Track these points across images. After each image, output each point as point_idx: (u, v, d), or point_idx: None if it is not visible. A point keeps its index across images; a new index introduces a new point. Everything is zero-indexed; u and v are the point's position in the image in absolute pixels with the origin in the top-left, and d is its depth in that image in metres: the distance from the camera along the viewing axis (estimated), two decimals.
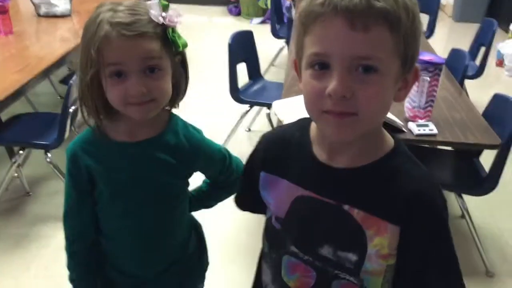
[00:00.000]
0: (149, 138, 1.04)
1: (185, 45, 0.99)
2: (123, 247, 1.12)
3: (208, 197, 1.22)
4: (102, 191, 1.06)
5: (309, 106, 0.78)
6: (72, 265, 1.15)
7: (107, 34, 0.91)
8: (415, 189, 0.80)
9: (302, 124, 0.90)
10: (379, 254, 0.83)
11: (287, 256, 0.89)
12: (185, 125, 1.09)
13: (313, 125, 0.88)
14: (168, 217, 1.11)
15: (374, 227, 0.81)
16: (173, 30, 0.97)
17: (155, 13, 0.94)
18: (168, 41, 0.96)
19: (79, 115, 2.53)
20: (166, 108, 1.06)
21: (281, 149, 0.90)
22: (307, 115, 0.81)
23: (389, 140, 0.85)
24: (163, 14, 0.95)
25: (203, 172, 1.16)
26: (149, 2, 0.95)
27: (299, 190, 0.86)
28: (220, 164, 1.14)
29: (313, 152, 0.85)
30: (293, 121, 0.94)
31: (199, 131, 1.11)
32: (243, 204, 1.07)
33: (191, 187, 1.18)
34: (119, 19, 0.92)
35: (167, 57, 0.97)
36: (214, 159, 1.11)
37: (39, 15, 3.15)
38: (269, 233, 0.94)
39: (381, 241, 0.82)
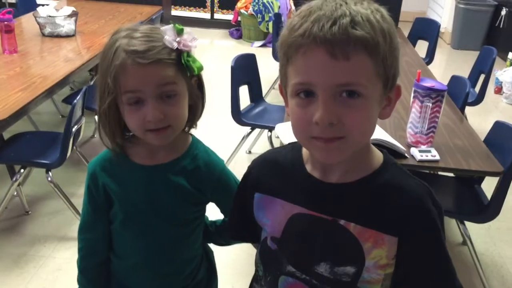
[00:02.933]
0: (166, 162, 1.04)
1: (200, 69, 0.99)
2: (132, 268, 1.12)
3: (219, 234, 1.19)
4: (117, 211, 1.07)
5: (297, 133, 0.80)
6: (82, 280, 1.15)
7: (123, 63, 0.92)
8: (408, 200, 0.82)
9: (293, 147, 0.92)
10: (378, 265, 0.84)
11: (284, 277, 0.89)
12: (207, 151, 1.09)
13: None
14: (180, 242, 1.11)
15: (371, 240, 0.82)
16: (188, 54, 0.97)
17: (169, 38, 0.94)
18: (183, 66, 0.96)
19: (81, 135, 2.55)
20: (185, 130, 1.06)
21: (275, 170, 0.92)
22: None
23: (378, 154, 0.87)
24: (178, 39, 0.95)
25: (218, 204, 1.13)
26: (163, 28, 0.96)
27: (295, 208, 0.87)
28: None
29: (306, 170, 0.87)
30: (281, 145, 0.95)
31: (221, 160, 1.10)
32: (235, 232, 1.06)
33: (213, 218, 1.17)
34: (134, 47, 0.92)
35: (183, 81, 0.97)
36: (231, 191, 1.07)
37: (44, 35, 3.18)
38: (265, 255, 0.94)
39: (379, 253, 0.83)
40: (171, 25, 0.96)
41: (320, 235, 0.85)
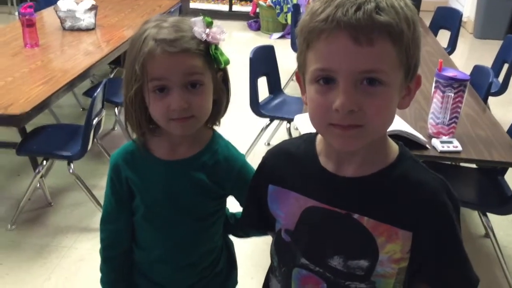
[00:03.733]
0: (187, 157, 1.04)
1: (227, 62, 0.99)
2: (154, 259, 1.13)
3: (239, 226, 1.18)
4: (138, 203, 1.08)
5: (315, 120, 0.79)
6: (105, 269, 1.17)
7: (152, 50, 0.92)
8: (423, 195, 0.81)
9: (307, 138, 0.91)
10: (392, 259, 0.83)
11: (298, 269, 0.89)
12: (228, 146, 1.09)
13: (319, 138, 0.89)
14: (200, 235, 1.11)
15: (385, 234, 0.82)
16: (216, 47, 0.97)
17: (198, 30, 0.95)
18: (211, 58, 0.97)
19: (102, 128, 2.58)
20: (208, 125, 1.06)
21: (288, 162, 0.91)
22: None
23: (394, 146, 0.86)
24: (207, 31, 0.95)
25: (237, 198, 1.13)
26: (193, 19, 0.97)
27: (308, 201, 0.87)
28: None
29: (320, 163, 0.86)
30: (297, 136, 0.96)
31: (241, 155, 1.10)
32: (249, 221, 1.06)
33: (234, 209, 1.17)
34: (163, 36, 0.93)
35: (209, 73, 0.98)
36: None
37: (64, 28, 3.22)
38: (279, 247, 0.94)
39: (394, 247, 0.82)
40: (201, 17, 0.97)
41: (333, 229, 0.85)
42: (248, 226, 1.10)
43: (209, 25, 0.97)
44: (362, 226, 0.82)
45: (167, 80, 0.94)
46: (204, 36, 0.95)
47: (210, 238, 1.14)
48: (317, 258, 0.87)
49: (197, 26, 0.95)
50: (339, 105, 0.72)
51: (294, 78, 4.38)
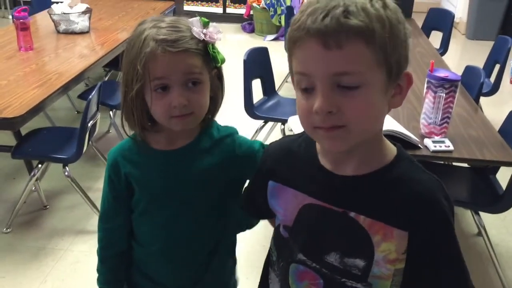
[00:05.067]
0: (185, 145, 1.07)
1: (223, 61, 1.03)
2: (153, 255, 1.13)
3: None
4: (139, 198, 1.09)
5: (303, 124, 0.82)
6: (102, 269, 1.18)
7: (153, 51, 0.95)
8: (420, 194, 0.82)
9: (307, 137, 0.92)
10: (387, 259, 0.84)
11: (295, 264, 0.91)
12: (218, 127, 1.11)
13: None
14: (201, 228, 1.12)
15: (380, 233, 0.83)
16: (213, 46, 1.01)
17: (197, 30, 0.98)
18: (208, 56, 1.00)
19: (97, 130, 2.59)
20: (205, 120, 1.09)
21: (288, 159, 0.93)
22: None
23: (391, 147, 0.87)
24: (204, 30, 0.99)
25: (240, 172, 1.10)
26: (190, 19, 1.00)
27: (306, 199, 0.89)
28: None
29: (319, 162, 0.88)
30: (298, 133, 0.98)
31: (232, 128, 1.12)
32: (249, 209, 1.08)
33: None
34: (164, 36, 0.96)
35: (206, 71, 1.01)
36: (252, 157, 1.07)
37: (58, 32, 3.23)
38: (278, 242, 0.96)
39: (388, 246, 0.83)
40: (197, 17, 1.00)
41: (330, 226, 0.87)
42: (251, 213, 1.10)
43: (205, 25, 1.00)
44: (358, 224, 0.84)
45: (168, 79, 0.97)
46: (202, 36, 0.99)
47: (212, 232, 1.14)
48: (314, 254, 0.89)
49: (195, 26, 0.99)
50: (317, 107, 0.75)
51: (288, 79, 4.39)
